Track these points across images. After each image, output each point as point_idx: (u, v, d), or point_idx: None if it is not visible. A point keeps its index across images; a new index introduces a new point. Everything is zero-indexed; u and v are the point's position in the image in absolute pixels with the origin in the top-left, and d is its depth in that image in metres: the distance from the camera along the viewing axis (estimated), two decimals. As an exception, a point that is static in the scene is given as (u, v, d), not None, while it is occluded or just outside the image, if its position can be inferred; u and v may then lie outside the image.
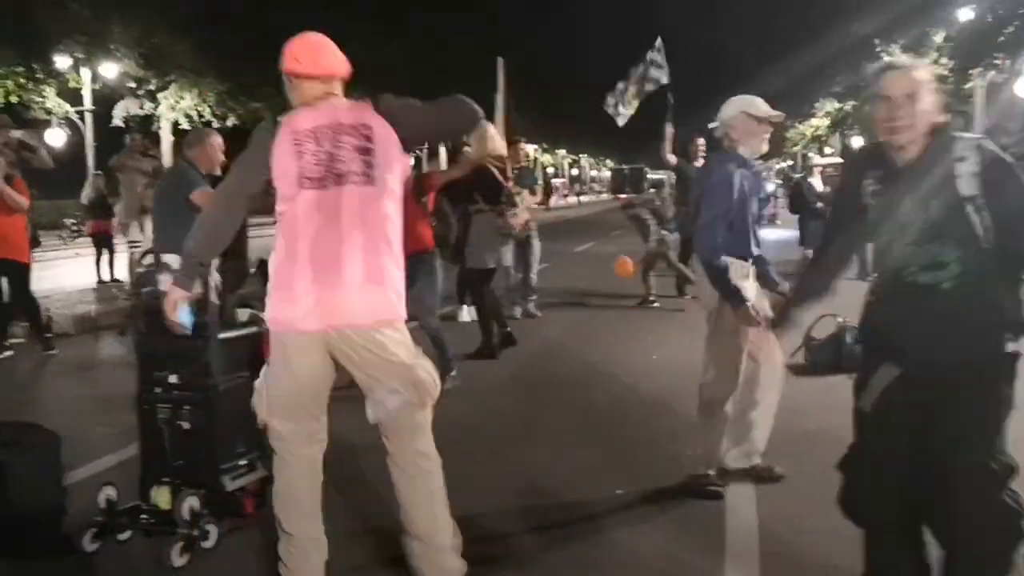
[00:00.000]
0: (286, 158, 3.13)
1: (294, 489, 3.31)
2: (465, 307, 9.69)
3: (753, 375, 4.49)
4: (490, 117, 8.21)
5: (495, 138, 7.44)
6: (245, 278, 4.02)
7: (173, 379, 3.89)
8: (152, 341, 3.95)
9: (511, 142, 8.43)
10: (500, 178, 7.36)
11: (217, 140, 5.53)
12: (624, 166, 79.37)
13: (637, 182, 70.11)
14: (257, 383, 3.35)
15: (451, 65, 33.88)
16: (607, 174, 77.76)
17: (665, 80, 10.52)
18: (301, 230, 3.09)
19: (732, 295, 4.18)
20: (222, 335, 3.89)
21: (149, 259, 4.75)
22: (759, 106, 4.31)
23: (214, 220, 3.28)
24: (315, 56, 3.29)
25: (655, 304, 10.79)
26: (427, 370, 3.28)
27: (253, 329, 4.07)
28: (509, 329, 7.90)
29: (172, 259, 4.45)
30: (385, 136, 3.15)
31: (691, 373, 4.81)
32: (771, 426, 4.60)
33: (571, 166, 74.74)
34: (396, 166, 3.19)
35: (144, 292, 4.00)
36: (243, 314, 4.09)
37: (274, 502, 3.36)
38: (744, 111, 4.30)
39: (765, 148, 4.41)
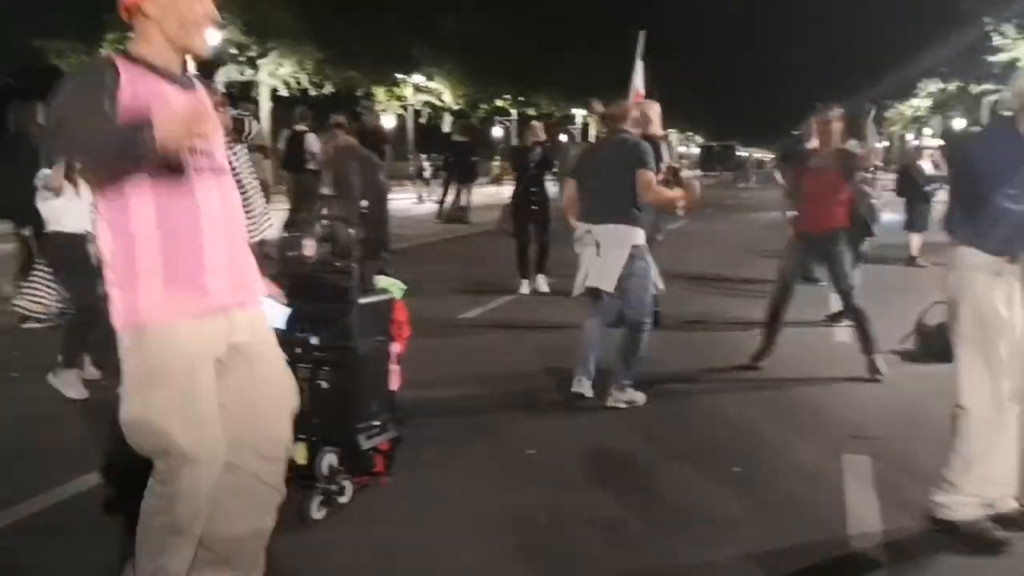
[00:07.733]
0: None
1: None
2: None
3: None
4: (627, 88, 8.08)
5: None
6: (385, 246, 4.13)
7: (314, 340, 4.02)
8: (293, 303, 4.07)
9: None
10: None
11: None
12: (713, 143, 78.54)
13: (726, 160, 69.10)
14: None
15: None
16: (696, 151, 76.73)
17: None
18: None
19: None
20: (362, 300, 4.02)
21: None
22: None
23: None
24: None
25: None
26: None
27: (390, 295, 4.20)
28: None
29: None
30: None
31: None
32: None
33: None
34: None
35: (287, 256, 4.10)
36: (381, 280, 4.20)
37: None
38: None
39: None
